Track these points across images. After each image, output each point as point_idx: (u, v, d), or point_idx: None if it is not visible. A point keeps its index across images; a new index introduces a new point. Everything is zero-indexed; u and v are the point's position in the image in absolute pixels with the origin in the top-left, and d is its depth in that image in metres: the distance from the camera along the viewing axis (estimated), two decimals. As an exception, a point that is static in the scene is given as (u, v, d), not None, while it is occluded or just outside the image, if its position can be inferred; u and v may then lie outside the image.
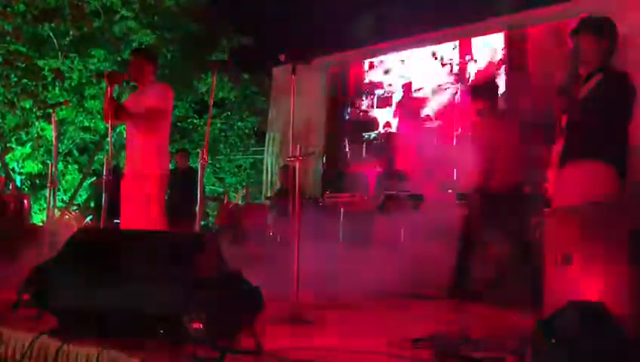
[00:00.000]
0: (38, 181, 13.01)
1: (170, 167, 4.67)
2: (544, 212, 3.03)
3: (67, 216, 12.26)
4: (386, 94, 8.57)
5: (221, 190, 15.26)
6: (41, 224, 9.13)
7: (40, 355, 2.40)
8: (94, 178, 13.95)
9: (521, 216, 4.21)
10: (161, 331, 2.27)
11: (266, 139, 10.10)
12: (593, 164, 2.80)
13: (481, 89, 4.68)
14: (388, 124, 8.45)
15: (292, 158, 3.31)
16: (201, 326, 1.99)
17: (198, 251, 2.27)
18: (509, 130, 4.36)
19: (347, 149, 8.48)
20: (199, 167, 3.62)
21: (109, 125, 4.41)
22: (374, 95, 8.72)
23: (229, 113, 14.77)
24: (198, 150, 13.91)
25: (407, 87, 8.35)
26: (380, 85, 8.67)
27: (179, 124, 13.73)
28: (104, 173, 4.30)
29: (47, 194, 5.10)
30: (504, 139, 4.22)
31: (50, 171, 4.83)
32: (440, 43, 7.99)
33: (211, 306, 2.02)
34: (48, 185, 5.18)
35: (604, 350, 1.24)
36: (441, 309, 3.92)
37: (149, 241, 2.47)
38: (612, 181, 2.73)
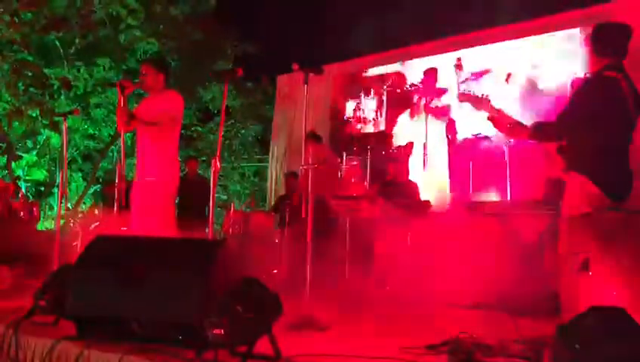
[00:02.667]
0: (43, 188, 13.05)
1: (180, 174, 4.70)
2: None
3: (72, 223, 12.29)
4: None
5: (225, 198, 15.28)
6: (50, 230, 9.18)
7: (60, 361, 2.42)
8: (99, 185, 14.00)
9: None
10: (180, 337, 2.30)
11: (271, 147, 10.15)
12: (573, 174, 2.78)
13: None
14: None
15: (305, 166, 3.34)
16: (221, 331, 2.02)
17: (217, 257, 2.30)
18: None
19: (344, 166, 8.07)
20: (212, 174, 3.65)
21: (120, 132, 4.45)
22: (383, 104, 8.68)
23: (234, 121, 14.83)
24: (203, 158, 14.01)
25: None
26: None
27: (183, 132, 13.77)
28: (116, 181, 4.34)
29: (58, 202, 5.13)
30: None
31: (61, 179, 4.86)
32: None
33: (231, 312, 2.05)
34: (59, 192, 5.21)
35: (628, 355, 1.26)
36: (454, 316, 3.93)
37: (168, 248, 2.50)
38: (591, 190, 2.63)
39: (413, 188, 6.62)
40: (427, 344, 2.61)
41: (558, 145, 2.99)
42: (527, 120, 3.12)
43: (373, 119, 8.76)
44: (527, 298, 3.67)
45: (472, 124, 7.64)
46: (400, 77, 8.56)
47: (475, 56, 7.76)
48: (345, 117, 9.02)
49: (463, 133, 7.79)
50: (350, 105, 9.00)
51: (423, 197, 6.45)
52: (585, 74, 3.10)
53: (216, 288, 2.20)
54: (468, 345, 2.38)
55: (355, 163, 7.16)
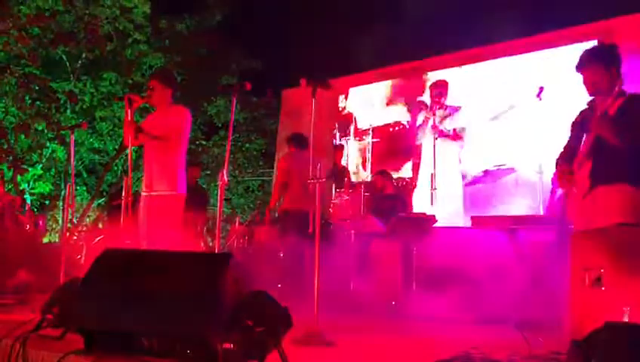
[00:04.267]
0: (47, 202, 13.09)
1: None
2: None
3: (76, 237, 12.30)
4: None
5: (229, 211, 15.29)
6: (55, 243, 9.19)
7: (67, 375, 2.41)
8: (103, 199, 14.03)
9: None
10: (189, 351, 2.29)
11: (275, 161, 10.17)
12: (623, 186, 2.83)
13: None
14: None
15: (313, 180, 3.35)
16: (231, 346, 2.01)
17: (226, 270, 2.30)
18: None
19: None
20: (219, 188, 3.66)
21: (127, 146, 4.46)
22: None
23: (238, 135, 14.89)
24: (208, 171, 14.01)
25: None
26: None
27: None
28: (122, 194, 4.35)
29: (64, 215, 5.15)
30: None
31: (67, 191, 4.88)
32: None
33: (242, 326, 2.04)
34: (65, 205, 5.23)
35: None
36: (462, 332, 3.91)
37: (177, 261, 2.50)
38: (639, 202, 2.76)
39: (404, 201, 6.68)
40: (436, 360, 2.59)
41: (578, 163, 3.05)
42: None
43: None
44: (534, 313, 3.65)
45: (493, 152, 7.08)
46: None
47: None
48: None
49: (480, 163, 7.20)
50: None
51: (418, 209, 6.48)
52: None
53: (226, 302, 2.20)
54: (477, 360, 2.36)
55: (346, 197, 6.78)
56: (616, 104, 3.01)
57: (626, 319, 1.84)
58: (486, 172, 7.31)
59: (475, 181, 7.32)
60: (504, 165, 7.10)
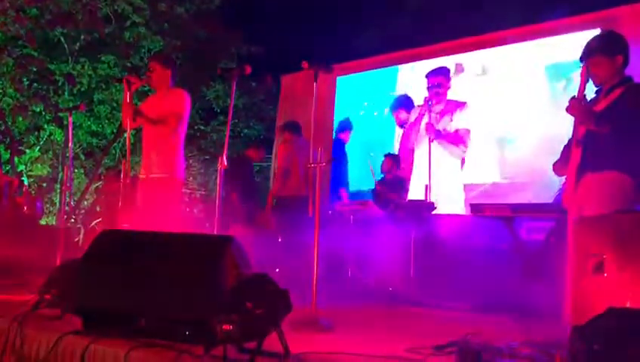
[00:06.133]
0: (45, 184, 13.06)
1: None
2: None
3: (74, 219, 12.29)
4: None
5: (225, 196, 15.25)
6: (53, 225, 9.17)
7: (65, 355, 2.40)
8: (100, 182, 14.00)
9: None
10: (188, 333, 2.29)
11: (274, 147, 10.13)
12: (614, 175, 2.85)
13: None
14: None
15: (313, 164, 3.34)
16: (231, 327, 2.00)
17: (225, 252, 2.29)
18: None
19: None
20: (218, 172, 3.64)
21: (125, 128, 4.43)
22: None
23: (236, 121, 14.83)
24: (207, 157, 13.96)
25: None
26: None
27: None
28: (121, 178, 4.33)
29: (60, 197, 5.13)
30: None
31: (65, 174, 4.86)
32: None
33: (241, 307, 2.04)
34: (62, 188, 5.20)
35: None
36: (460, 318, 3.92)
37: (176, 243, 2.49)
38: (630, 191, 2.78)
39: (403, 186, 6.35)
40: (434, 344, 2.60)
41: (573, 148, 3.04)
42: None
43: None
44: (532, 301, 3.66)
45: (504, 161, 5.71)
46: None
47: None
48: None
49: (487, 173, 5.83)
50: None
51: (416, 193, 6.33)
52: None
53: (226, 283, 2.19)
54: (476, 346, 2.36)
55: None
56: (617, 93, 3.01)
57: (628, 305, 1.84)
58: (495, 185, 5.98)
59: (481, 196, 5.95)
60: (515, 179, 5.82)
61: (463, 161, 5.85)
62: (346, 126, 8.11)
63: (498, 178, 5.98)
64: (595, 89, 3.22)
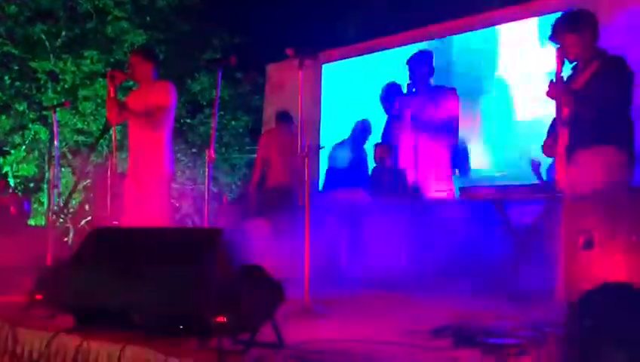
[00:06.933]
0: (32, 184, 12.91)
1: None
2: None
3: (63, 219, 12.18)
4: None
5: (215, 190, 15.21)
6: (41, 226, 9.09)
7: (58, 353, 2.39)
8: (89, 180, 13.86)
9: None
10: (181, 327, 2.28)
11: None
12: (603, 149, 2.87)
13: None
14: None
15: (302, 153, 3.32)
16: (224, 319, 1.99)
17: (217, 245, 2.28)
18: None
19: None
20: (206, 165, 3.62)
21: (111, 124, 4.38)
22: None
23: (223, 113, 14.73)
24: (194, 150, 13.87)
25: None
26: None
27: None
28: (109, 175, 4.28)
29: (48, 197, 5.07)
30: None
31: (51, 173, 4.79)
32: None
33: (234, 299, 2.02)
34: (49, 187, 5.15)
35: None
36: (454, 303, 3.94)
37: (166, 237, 2.47)
38: (623, 164, 2.81)
39: (400, 175, 6.42)
40: (429, 329, 2.60)
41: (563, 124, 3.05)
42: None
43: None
44: (525, 282, 3.69)
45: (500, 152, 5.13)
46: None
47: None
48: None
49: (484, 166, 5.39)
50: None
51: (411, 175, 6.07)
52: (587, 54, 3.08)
53: (218, 276, 2.18)
54: (471, 328, 2.37)
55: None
56: (593, 68, 3.02)
57: (620, 279, 1.86)
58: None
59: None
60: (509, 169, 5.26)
61: (453, 152, 5.46)
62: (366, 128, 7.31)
63: (490, 169, 5.76)
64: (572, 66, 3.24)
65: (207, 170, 3.63)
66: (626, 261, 1.91)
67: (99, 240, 2.52)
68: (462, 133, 5.65)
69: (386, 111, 6.86)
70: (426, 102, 5.25)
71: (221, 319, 1.98)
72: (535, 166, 4.25)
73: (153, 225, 4.06)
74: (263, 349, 2.12)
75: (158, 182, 4.29)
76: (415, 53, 5.78)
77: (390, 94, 6.69)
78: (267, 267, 2.25)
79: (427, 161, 5.10)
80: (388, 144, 6.29)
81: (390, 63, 7.33)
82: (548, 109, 3.30)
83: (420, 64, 5.43)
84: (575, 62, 3.20)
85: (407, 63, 5.76)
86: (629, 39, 3.97)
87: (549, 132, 3.33)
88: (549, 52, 3.29)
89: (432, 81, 5.40)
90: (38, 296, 2.87)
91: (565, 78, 3.18)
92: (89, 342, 2.28)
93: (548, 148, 3.31)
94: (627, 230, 1.95)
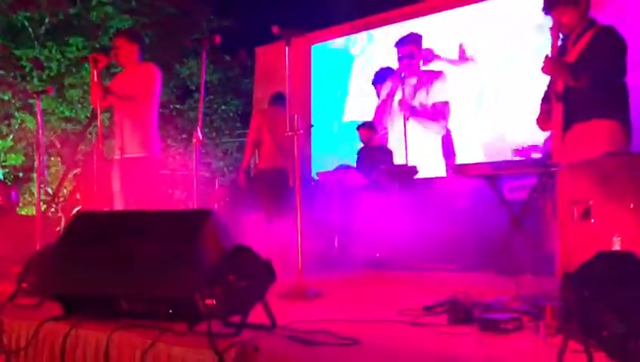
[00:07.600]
0: (21, 173, 12.78)
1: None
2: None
3: (53, 208, 12.09)
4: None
5: (207, 175, 15.11)
6: (31, 215, 8.99)
7: (46, 342, 2.33)
8: (79, 169, 13.73)
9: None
10: (170, 310, 2.23)
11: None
12: (600, 121, 2.83)
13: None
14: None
15: (290, 133, 3.25)
16: (214, 302, 1.94)
17: (204, 227, 2.22)
18: None
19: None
20: (194, 146, 3.55)
21: (96, 108, 4.30)
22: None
23: (213, 97, 14.59)
24: (184, 135, 13.75)
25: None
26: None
27: (161, 110, 13.51)
28: (95, 160, 4.21)
29: (36, 185, 4.99)
30: None
31: (38, 162, 4.72)
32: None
33: (223, 281, 1.97)
34: (36, 175, 5.07)
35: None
36: (449, 279, 3.91)
37: (153, 220, 2.41)
38: (620, 135, 2.77)
39: (388, 153, 6.21)
40: (423, 306, 2.57)
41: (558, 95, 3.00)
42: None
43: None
44: (519, 257, 3.66)
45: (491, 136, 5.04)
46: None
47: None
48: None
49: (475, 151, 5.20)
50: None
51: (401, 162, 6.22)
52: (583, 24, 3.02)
53: (206, 258, 2.12)
54: (466, 304, 2.34)
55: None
56: (585, 39, 2.97)
57: (616, 247, 1.82)
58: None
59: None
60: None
61: (444, 140, 5.29)
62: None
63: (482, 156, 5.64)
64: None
65: (194, 151, 3.56)
66: (623, 229, 1.87)
67: (83, 225, 2.46)
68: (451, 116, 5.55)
69: (378, 95, 6.79)
70: (417, 87, 5.12)
71: (210, 302, 1.93)
72: (521, 153, 4.19)
73: (143, 207, 4.00)
74: (255, 331, 2.07)
75: (147, 167, 4.23)
76: (403, 37, 5.63)
77: (383, 78, 6.62)
78: (260, 250, 2.19)
79: (417, 145, 5.07)
80: (370, 123, 6.19)
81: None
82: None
83: (409, 46, 5.26)
84: (566, 34, 3.14)
85: (395, 46, 5.60)
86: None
87: (541, 106, 3.28)
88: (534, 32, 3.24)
89: (421, 64, 5.24)
90: (24, 284, 2.81)
91: (557, 51, 3.12)
92: (77, 330, 2.22)
93: (542, 122, 3.27)
94: (621, 197, 1.92)
